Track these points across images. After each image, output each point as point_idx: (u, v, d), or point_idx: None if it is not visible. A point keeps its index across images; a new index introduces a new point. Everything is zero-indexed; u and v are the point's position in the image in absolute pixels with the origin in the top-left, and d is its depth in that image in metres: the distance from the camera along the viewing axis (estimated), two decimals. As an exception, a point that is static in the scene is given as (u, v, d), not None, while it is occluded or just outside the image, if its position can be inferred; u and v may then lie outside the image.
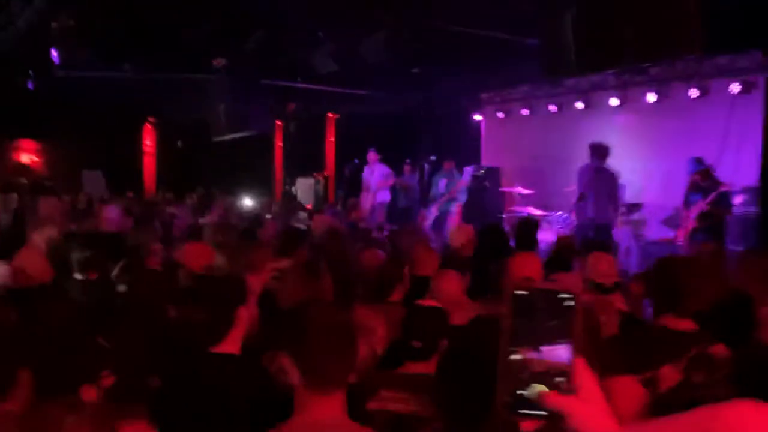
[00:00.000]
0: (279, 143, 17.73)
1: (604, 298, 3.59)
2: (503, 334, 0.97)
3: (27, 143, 17.22)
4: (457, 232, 5.60)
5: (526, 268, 4.05)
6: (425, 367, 2.46)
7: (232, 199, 12.71)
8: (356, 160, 11.97)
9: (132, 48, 9.78)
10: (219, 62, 10.92)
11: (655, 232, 9.16)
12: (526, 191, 10.77)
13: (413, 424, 2.33)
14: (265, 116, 11.97)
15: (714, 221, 7.23)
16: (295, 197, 15.40)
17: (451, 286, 3.52)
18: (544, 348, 0.96)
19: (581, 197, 8.17)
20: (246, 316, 2.63)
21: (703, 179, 7.54)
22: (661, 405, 2.43)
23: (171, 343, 2.79)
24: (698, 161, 7.70)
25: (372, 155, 11.42)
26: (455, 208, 10.86)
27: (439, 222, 10.73)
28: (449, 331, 2.59)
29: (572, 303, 0.96)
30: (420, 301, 2.75)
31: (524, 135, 12.12)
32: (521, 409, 0.96)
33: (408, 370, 2.60)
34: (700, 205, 7.43)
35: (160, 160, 17.99)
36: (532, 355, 0.96)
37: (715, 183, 7.47)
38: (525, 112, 11.86)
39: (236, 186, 15.87)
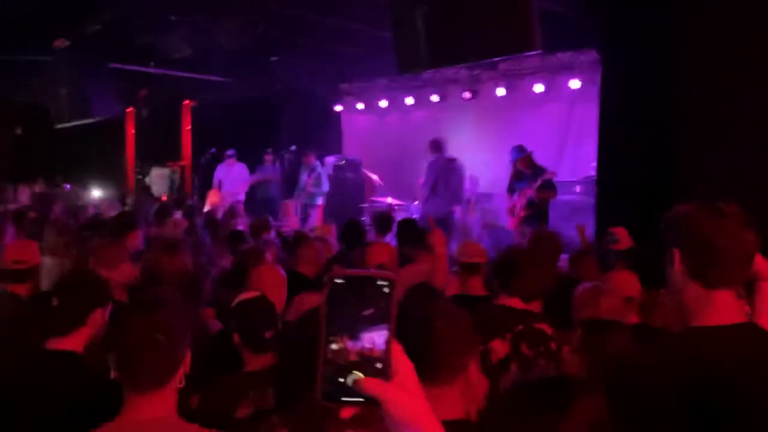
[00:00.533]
0: (131, 131, 16.81)
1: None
2: (321, 322, 0.96)
3: None
4: (320, 228, 5.65)
5: (381, 255, 4.20)
6: (264, 360, 2.42)
7: (77, 190, 11.89)
8: (213, 150, 11.60)
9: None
10: (61, 43, 10.15)
11: (504, 220, 9.62)
12: (384, 182, 10.97)
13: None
14: (113, 102, 11.26)
15: (540, 207, 7.59)
16: (147, 188, 14.71)
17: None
18: (361, 335, 0.96)
19: (427, 189, 8.52)
20: (102, 318, 2.51)
21: (527, 166, 7.87)
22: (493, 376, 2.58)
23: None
24: (520, 149, 8.03)
25: (230, 159, 11.22)
26: (320, 201, 10.83)
27: (305, 216, 10.67)
28: (276, 323, 2.56)
29: (389, 289, 0.97)
30: (246, 294, 2.68)
31: (383, 126, 12.35)
32: (341, 397, 0.95)
33: (252, 366, 2.53)
34: (527, 193, 7.75)
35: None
36: (349, 342, 0.96)
37: (539, 170, 7.80)
38: (384, 103, 12.06)
39: (85, 176, 14.89)
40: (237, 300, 2.58)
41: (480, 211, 9.83)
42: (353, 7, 8.63)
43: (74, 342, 2.45)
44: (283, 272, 3.34)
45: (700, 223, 1.69)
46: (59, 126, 11.66)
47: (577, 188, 9.41)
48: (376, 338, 0.96)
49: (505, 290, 3.08)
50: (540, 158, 8.64)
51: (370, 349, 0.96)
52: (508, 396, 2.69)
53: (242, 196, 11.24)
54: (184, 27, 9.27)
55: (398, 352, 0.98)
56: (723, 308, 1.68)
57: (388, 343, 0.96)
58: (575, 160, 9.63)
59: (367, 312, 0.96)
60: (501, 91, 10.28)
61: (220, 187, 11.25)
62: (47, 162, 14.82)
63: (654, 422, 1.60)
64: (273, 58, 11.26)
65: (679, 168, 5.08)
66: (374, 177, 11.21)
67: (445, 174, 8.62)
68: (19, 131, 16.16)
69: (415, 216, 9.65)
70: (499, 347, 2.79)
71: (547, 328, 3.17)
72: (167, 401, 1.70)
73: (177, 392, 1.72)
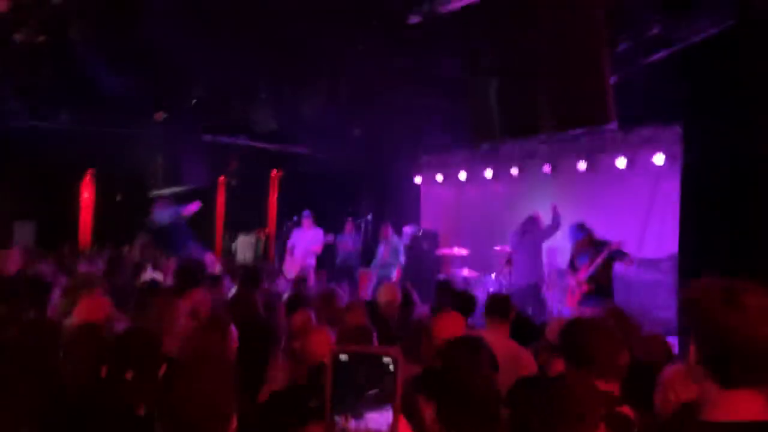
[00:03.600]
0: (221, 199, 17.55)
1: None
2: (326, 399, 0.96)
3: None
4: (384, 289, 5.57)
5: (450, 327, 4.01)
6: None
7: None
8: (295, 218, 11.91)
9: (68, 99, 9.68)
10: (159, 116, 10.87)
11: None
12: (462, 253, 10.88)
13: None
14: (204, 172, 11.85)
15: (602, 282, 7.31)
16: (233, 254, 15.19)
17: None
18: (365, 413, 0.95)
19: (509, 261, 8.43)
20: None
21: (588, 244, 7.68)
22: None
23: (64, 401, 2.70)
24: (579, 228, 7.88)
25: (306, 220, 11.39)
26: (394, 273, 10.83)
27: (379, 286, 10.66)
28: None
29: (393, 366, 0.96)
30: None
31: (462, 198, 12.35)
32: None
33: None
34: (588, 268, 7.52)
35: (98, 213, 17.54)
36: (353, 421, 0.95)
37: (601, 244, 7.58)
38: (463, 175, 12.11)
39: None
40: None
41: (560, 286, 9.57)
42: (433, 81, 8.88)
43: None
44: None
45: (713, 316, 1.48)
46: (153, 194, 12.33)
47: (664, 266, 9.06)
48: (380, 418, 0.95)
49: (582, 369, 2.92)
50: (622, 234, 8.40)
51: (374, 429, 0.95)
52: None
53: (311, 261, 11.28)
54: (271, 101, 9.73)
55: (403, 429, 0.96)
56: (741, 405, 1.46)
57: (392, 423, 0.95)
58: (660, 238, 9.27)
59: (372, 391, 0.95)
60: (582, 165, 10.13)
61: (292, 252, 11.41)
62: (144, 227, 15.57)
63: None
64: (356, 131, 11.60)
65: (760, 245, 4.80)
66: (452, 248, 11.14)
67: (522, 244, 8.62)
68: (119, 198, 17.18)
69: (491, 289, 9.53)
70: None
71: (629, 412, 2.98)
72: None
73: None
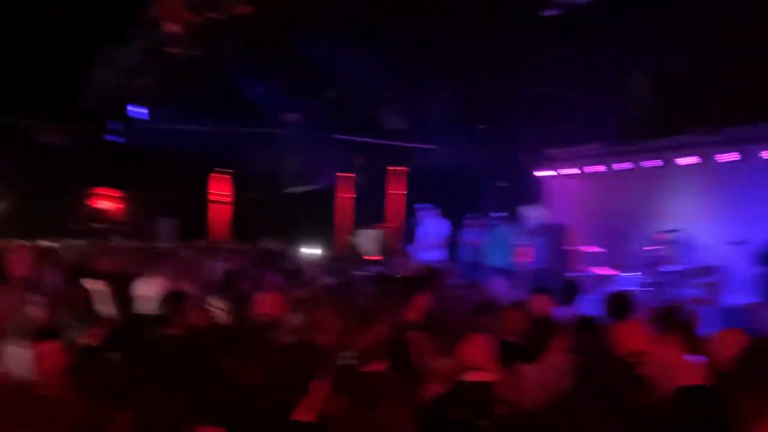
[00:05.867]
0: (341, 195, 17.93)
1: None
2: None
3: (106, 190, 18.00)
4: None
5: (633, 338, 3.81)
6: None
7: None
8: (420, 213, 11.97)
9: (210, 103, 10.24)
10: (292, 117, 11.28)
11: (731, 296, 8.76)
12: (594, 250, 10.48)
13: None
14: (333, 170, 12.19)
15: None
16: (355, 247, 15.49)
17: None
18: None
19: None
20: (322, 387, 2.68)
21: None
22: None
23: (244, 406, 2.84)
24: None
25: (427, 213, 11.43)
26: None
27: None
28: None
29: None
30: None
31: (594, 193, 11.83)
32: None
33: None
34: None
35: (234, 210, 18.42)
36: None
37: None
38: (595, 169, 11.67)
39: (300, 236, 16.06)
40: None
41: (703, 285, 9.00)
42: (560, 73, 8.64)
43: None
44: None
45: None
46: (287, 191, 12.82)
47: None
48: None
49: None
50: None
51: None
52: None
53: (436, 255, 11.23)
54: (399, 101, 9.83)
55: None
56: None
57: None
58: None
59: None
60: (727, 157, 9.42)
61: (416, 246, 11.49)
62: (273, 223, 16.20)
63: None
64: (481, 126, 11.49)
65: None
66: (581, 245, 10.73)
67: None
68: (255, 196, 17.94)
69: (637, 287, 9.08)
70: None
71: None
72: None
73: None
